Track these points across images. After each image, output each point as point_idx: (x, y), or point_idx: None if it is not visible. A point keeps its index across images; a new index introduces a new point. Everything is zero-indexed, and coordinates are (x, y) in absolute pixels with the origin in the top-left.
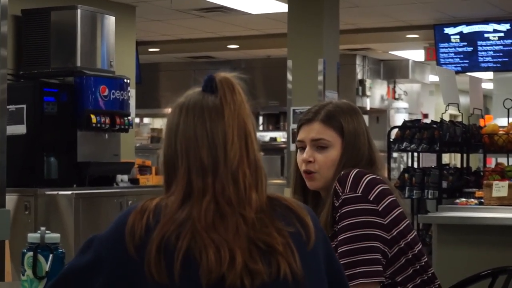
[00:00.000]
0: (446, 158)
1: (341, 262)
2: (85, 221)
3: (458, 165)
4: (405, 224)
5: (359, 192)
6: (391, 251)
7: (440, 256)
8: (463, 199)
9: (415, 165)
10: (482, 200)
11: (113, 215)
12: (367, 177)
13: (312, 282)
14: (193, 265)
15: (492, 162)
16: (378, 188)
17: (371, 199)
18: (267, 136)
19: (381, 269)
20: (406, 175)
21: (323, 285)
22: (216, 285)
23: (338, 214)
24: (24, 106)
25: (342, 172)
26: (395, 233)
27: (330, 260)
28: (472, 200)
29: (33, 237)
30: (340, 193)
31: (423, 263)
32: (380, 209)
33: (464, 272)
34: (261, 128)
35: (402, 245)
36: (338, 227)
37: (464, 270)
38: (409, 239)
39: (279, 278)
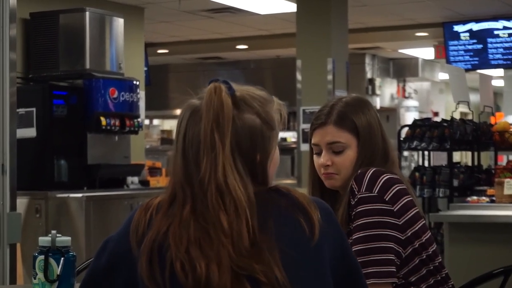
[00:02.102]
0: (457, 156)
1: None
2: (96, 223)
3: (469, 163)
4: (420, 225)
5: (375, 192)
6: (405, 252)
7: (452, 255)
8: (475, 197)
9: (426, 164)
10: (494, 198)
11: (124, 217)
12: (384, 176)
13: (308, 278)
14: (177, 277)
15: (503, 160)
16: (395, 188)
17: (386, 199)
18: None
19: (394, 270)
20: (417, 173)
21: (322, 281)
22: None
23: (353, 212)
24: (34, 109)
25: (359, 171)
26: (409, 234)
27: (344, 255)
28: (484, 198)
29: (44, 240)
30: (356, 192)
31: (437, 264)
32: (395, 210)
33: (476, 270)
34: None
35: (416, 245)
36: (353, 225)
37: (476, 268)
38: (423, 240)
39: None
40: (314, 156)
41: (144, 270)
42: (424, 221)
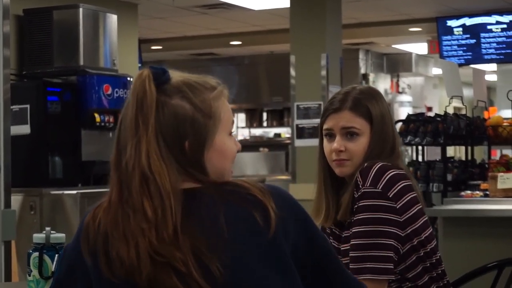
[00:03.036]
0: (450, 151)
1: (352, 255)
2: None
3: (463, 158)
4: (421, 222)
5: (379, 188)
6: (403, 248)
7: (446, 249)
8: (468, 192)
9: (420, 159)
10: (488, 192)
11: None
12: (390, 172)
13: (264, 271)
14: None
15: (496, 154)
16: (400, 185)
17: (390, 196)
18: (271, 132)
19: (392, 267)
20: (411, 168)
21: (283, 272)
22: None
23: (356, 206)
24: (28, 106)
25: (366, 164)
26: (409, 231)
27: (310, 237)
28: (477, 192)
29: (38, 237)
30: (360, 186)
31: (434, 260)
32: (398, 207)
33: (470, 265)
34: (265, 124)
35: (415, 242)
36: (354, 219)
37: (470, 262)
38: (422, 237)
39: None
40: (325, 142)
41: (104, 269)
42: (426, 218)
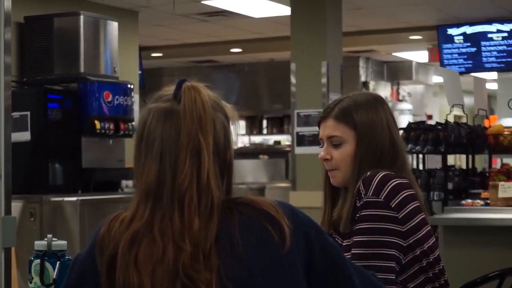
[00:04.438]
0: (451, 159)
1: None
2: (90, 227)
3: (464, 166)
4: (424, 232)
5: (382, 198)
6: (405, 258)
7: (447, 258)
8: (469, 200)
9: (420, 167)
10: (488, 201)
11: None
12: (393, 182)
13: (278, 286)
14: None
15: (497, 163)
16: (403, 194)
17: (392, 206)
18: (271, 139)
19: (393, 277)
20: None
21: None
22: None
23: (358, 215)
24: (28, 113)
25: (369, 173)
26: (411, 241)
27: (322, 247)
28: (478, 201)
29: (40, 244)
30: (363, 195)
31: (437, 271)
32: (400, 217)
33: (471, 274)
34: (265, 131)
35: (418, 253)
36: (355, 227)
37: (471, 271)
38: (425, 247)
39: None
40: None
41: (104, 286)
42: (429, 228)
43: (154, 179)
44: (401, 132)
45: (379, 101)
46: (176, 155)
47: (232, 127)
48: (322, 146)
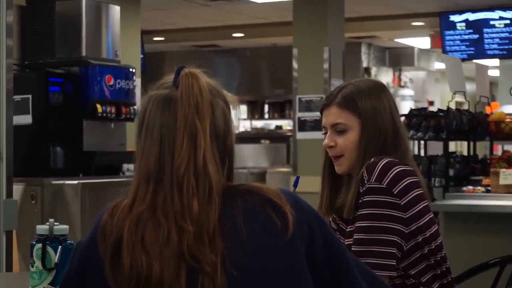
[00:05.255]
0: (452, 146)
1: (354, 249)
2: (91, 210)
3: (465, 153)
4: (426, 219)
5: (384, 184)
6: (407, 245)
7: (447, 244)
8: (470, 187)
9: (422, 153)
10: (489, 188)
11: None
12: (396, 168)
13: (281, 272)
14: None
15: (498, 149)
16: (406, 181)
17: (395, 192)
18: (272, 124)
19: (394, 263)
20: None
21: (298, 274)
22: None
23: (360, 201)
24: (30, 96)
25: (372, 160)
26: (413, 228)
27: (324, 236)
28: (479, 188)
29: (41, 229)
30: (366, 181)
31: (438, 258)
32: (402, 204)
33: (471, 260)
34: (266, 116)
35: (420, 240)
36: (357, 213)
37: (472, 258)
38: (427, 234)
39: None
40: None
41: (107, 273)
42: (431, 215)
43: (154, 163)
44: (402, 118)
45: (381, 88)
46: (174, 140)
47: (233, 114)
48: (325, 133)
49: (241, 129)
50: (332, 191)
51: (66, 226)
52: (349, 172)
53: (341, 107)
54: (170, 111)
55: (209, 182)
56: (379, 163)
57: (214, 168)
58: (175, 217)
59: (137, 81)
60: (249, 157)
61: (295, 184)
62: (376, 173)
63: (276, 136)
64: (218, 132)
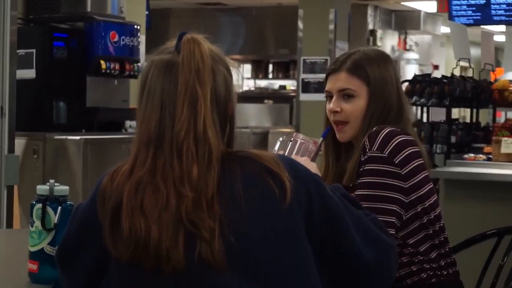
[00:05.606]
0: (455, 113)
1: None
2: (93, 166)
3: (468, 120)
4: (426, 189)
5: (386, 153)
6: (406, 215)
7: (447, 212)
8: (472, 155)
9: (424, 119)
10: (491, 156)
11: (121, 161)
12: (398, 138)
13: (278, 239)
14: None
15: (501, 116)
16: (407, 151)
17: (396, 162)
18: (276, 84)
19: (393, 232)
20: (415, 129)
21: (295, 241)
22: (135, 265)
23: (361, 169)
24: (34, 50)
25: (374, 129)
26: (413, 198)
27: (323, 201)
28: (481, 155)
29: (42, 189)
30: (367, 150)
31: (437, 228)
32: (403, 173)
33: (471, 229)
34: (270, 76)
35: (419, 209)
36: (358, 181)
37: (470, 226)
38: (426, 205)
39: (199, 263)
40: (327, 104)
41: (106, 237)
42: (431, 186)
43: (154, 128)
44: (406, 84)
45: (388, 58)
46: (175, 105)
47: (234, 81)
48: (328, 98)
49: (245, 88)
50: (334, 158)
51: (66, 187)
52: (351, 140)
53: (350, 73)
54: (171, 77)
55: (209, 148)
56: (381, 132)
57: (214, 134)
58: (174, 182)
59: (142, 38)
60: (252, 117)
61: (324, 135)
62: (378, 142)
63: (279, 96)
64: (219, 98)
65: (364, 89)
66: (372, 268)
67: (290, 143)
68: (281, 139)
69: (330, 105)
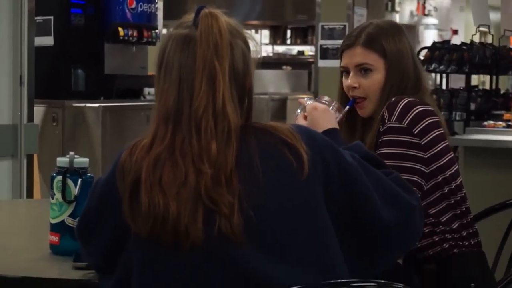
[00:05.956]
0: (475, 79)
1: None
2: (112, 133)
3: (487, 87)
4: (446, 159)
5: (405, 124)
6: (427, 185)
7: (466, 180)
8: (491, 122)
9: (444, 86)
10: (510, 123)
11: (140, 128)
12: (417, 108)
13: (297, 211)
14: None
15: None
16: (427, 121)
17: (415, 132)
18: (294, 49)
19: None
20: (434, 96)
21: (314, 213)
22: (154, 240)
23: (380, 140)
24: (52, 17)
25: (393, 99)
26: (434, 168)
27: (342, 169)
28: (500, 122)
29: (62, 161)
30: (386, 120)
31: (458, 198)
32: (422, 143)
33: (490, 196)
34: (288, 41)
35: (439, 179)
36: (377, 152)
37: (490, 193)
38: (447, 174)
39: (218, 238)
40: (343, 79)
41: (126, 211)
42: (451, 155)
43: (172, 104)
44: (425, 51)
45: (401, 29)
46: (193, 81)
47: (252, 54)
48: (345, 73)
49: (263, 54)
50: (350, 133)
51: (86, 159)
52: (372, 115)
53: (366, 47)
54: (189, 51)
55: (228, 123)
56: (400, 103)
57: (233, 109)
58: (193, 158)
59: (159, 4)
60: (270, 83)
61: (350, 104)
62: (397, 113)
63: (297, 62)
64: (237, 72)
65: (381, 63)
66: (393, 231)
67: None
68: (305, 98)
69: (348, 81)
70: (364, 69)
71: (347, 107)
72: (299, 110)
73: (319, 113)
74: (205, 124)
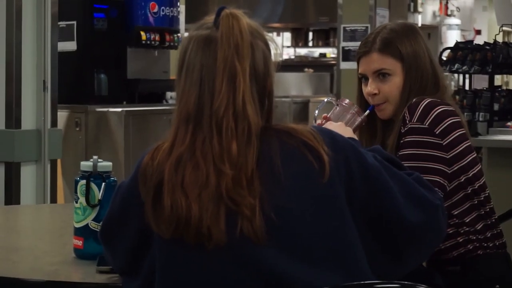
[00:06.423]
0: (498, 80)
1: None
2: (135, 138)
3: (511, 87)
4: (469, 159)
5: (426, 124)
6: (450, 186)
7: (490, 180)
8: None
9: (467, 87)
10: None
11: (163, 132)
12: (438, 108)
13: (319, 213)
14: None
15: None
16: (448, 121)
17: (437, 132)
18: (316, 52)
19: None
20: (457, 97)
21: (336, 215)
22: (178, 241)
23: (402, 141)
24: (75, 22)
25: (414, 100)
26: (456, 168)
27: (365, 179)
28: None
29: (86, 165)
30: (407, 121)
31: (482, 198)
32: (444, 144)
33: None
34: (310, 44)
35: (462, 180)
36: (399, 153)
37: None
38: (470, 175)
39: (240, 239)
40: (363, 86)
41: (149, 215)
42: (474, 155)
43: (193, 104)
44: (448, 51)
45: (415, 29)
46: (214, 81)
47: (273, 56)
48: (363, 79)
49: (285, 56)
50: (369, 136)
51: (109, 163)
52: (392, 117)
53: (382, 52)
54: (210, 52)
55: (248, 124)
56: (421, 104)
57: (253, 110)
58: (213, 159)
59: (181, 8)
60: (292, 86)
61: (371, 109)
62: (418, 114)
63: (319, 65)
64: (257, 73)
65: (399, 66)
66: (417, 231)
67: (337, 107)
68: (325, 100)
69: (368, 88)
70: (382, 74)
71: (367, 111)
72: (316, 111)
73: (334, 127)
74: (226, 124)
